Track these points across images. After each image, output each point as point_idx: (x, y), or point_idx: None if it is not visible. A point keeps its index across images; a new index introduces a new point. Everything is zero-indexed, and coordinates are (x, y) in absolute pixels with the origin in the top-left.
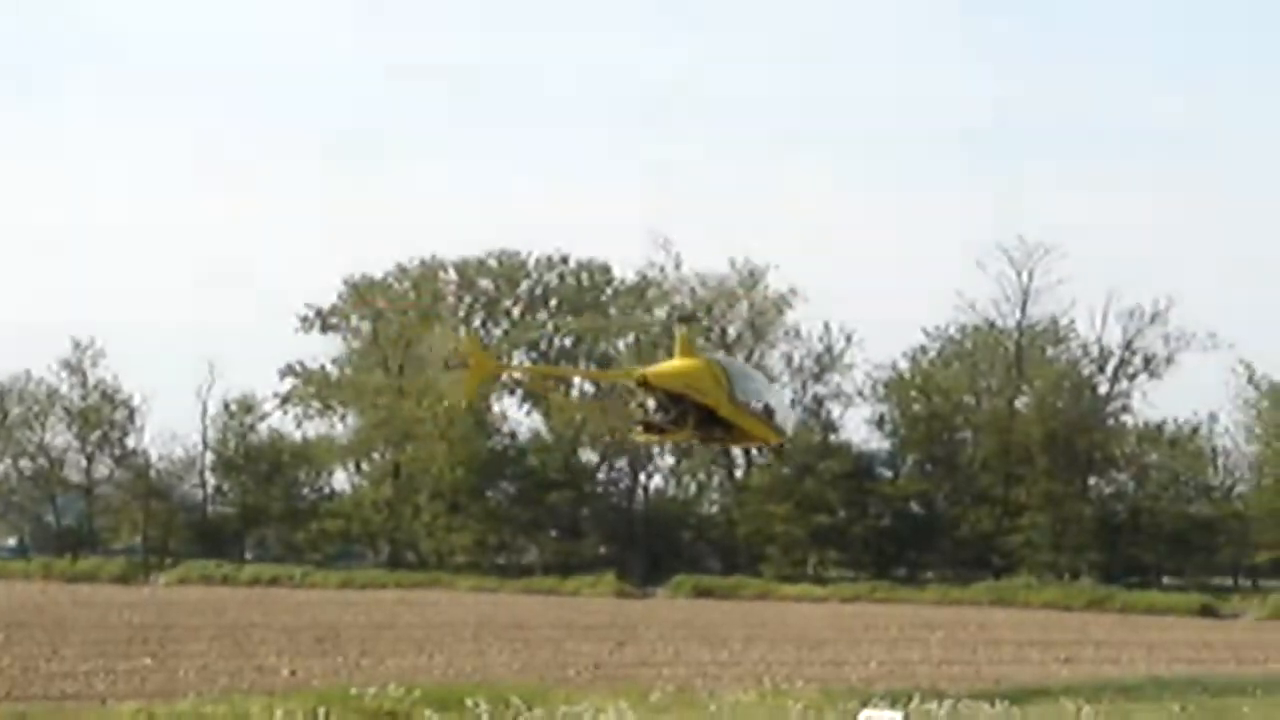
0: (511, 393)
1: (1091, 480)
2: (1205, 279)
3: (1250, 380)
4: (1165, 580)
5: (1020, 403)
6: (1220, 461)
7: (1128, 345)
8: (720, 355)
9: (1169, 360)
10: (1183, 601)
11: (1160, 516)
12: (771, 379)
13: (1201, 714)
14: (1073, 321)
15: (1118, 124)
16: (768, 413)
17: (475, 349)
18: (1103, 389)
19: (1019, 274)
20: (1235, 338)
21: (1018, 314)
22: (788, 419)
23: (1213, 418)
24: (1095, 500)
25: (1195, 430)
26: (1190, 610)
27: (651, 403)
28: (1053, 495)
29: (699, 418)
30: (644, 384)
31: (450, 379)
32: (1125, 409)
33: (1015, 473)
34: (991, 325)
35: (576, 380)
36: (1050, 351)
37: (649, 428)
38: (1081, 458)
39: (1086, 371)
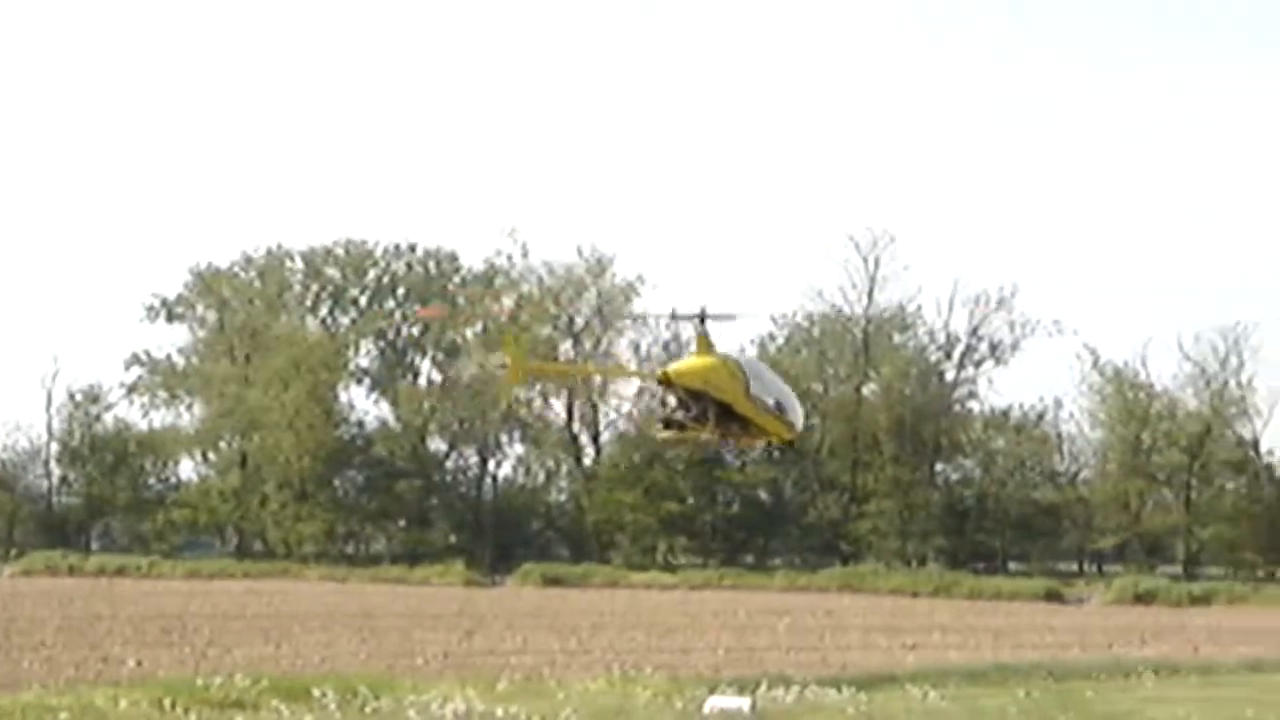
0: (359, 382)
1: (938, 466)
2: (1049, 266)
3: (1094, 366)
4: (1011, 566)
5: (868, 390)
6: (1065, 447)
7: (974, 332)
8: (736, 353)
9: (1014, 347)
10: (1028, 587)
11: (1006, 502)
12: (780, 376)
13: (1046, 698)
14: (919, 308)
15: (960, 110)
16: (779, 408)
17: (514, 353)
18: (949, 375)
19: (866, 261)
20: (1079, 324)
21: (865, 301)
22: (797, 414)
23: (1058, 404)
24: (942, 486)
25: (1041, 416)
26: (1036, 595)
27: (672, 400)
28: (900, 482)
29: (717, 414)
30: (665, 382)
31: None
32: (972, 395)
33: (863, 459)
34: (839, 312)
35: (425, 369)
36: (897, 338)
37: (669, 424)
38: (928, 444)
39: (933, 358)
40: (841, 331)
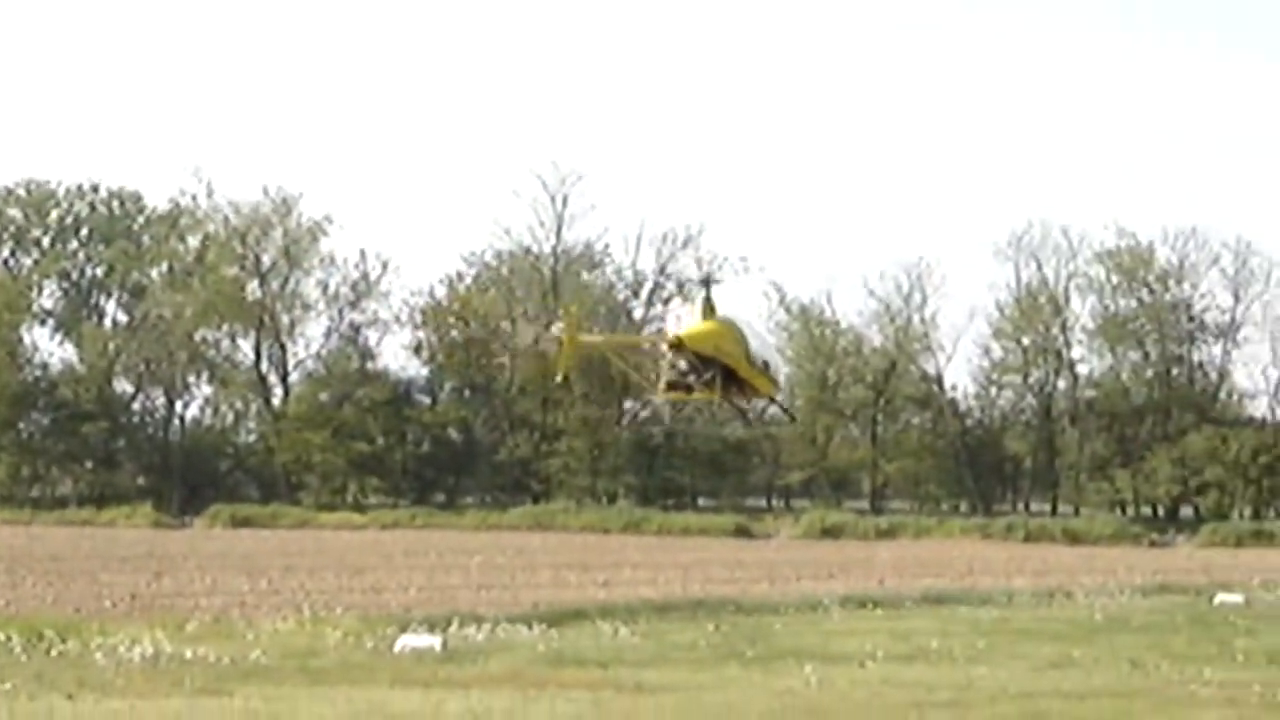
0: (42, 323)
1: (627, 404)
2: (735, 204)
3: (781, 303)
4: (701, 502)
5: (557, 328)
6: None
7: (661, 270)
8: (733, 315)
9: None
10: (718, 523)
11: (695, 439)
12: (763, 333)
13: (735, 632)
14: (607, 247)
15: (644, 48)
16: (765, 366)
17: (570, 327)
18: (638, 314)
19: (553, 200)
20: (766, 262)
21: (553, 239)
22: (779, 370)
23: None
24: (631, 424)
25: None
26: (725, 531)
27: (683, 363)
28: (589, 420)
29: (723, 376)
30: (677, 346)
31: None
32: (660, 333)
33: (553, 398)
34: (528, 251)
35: (110, 310)
36: (586, 277)
37: (673, 387)
38: (617, 382)
39: (621, 296)
40: (530, 270)
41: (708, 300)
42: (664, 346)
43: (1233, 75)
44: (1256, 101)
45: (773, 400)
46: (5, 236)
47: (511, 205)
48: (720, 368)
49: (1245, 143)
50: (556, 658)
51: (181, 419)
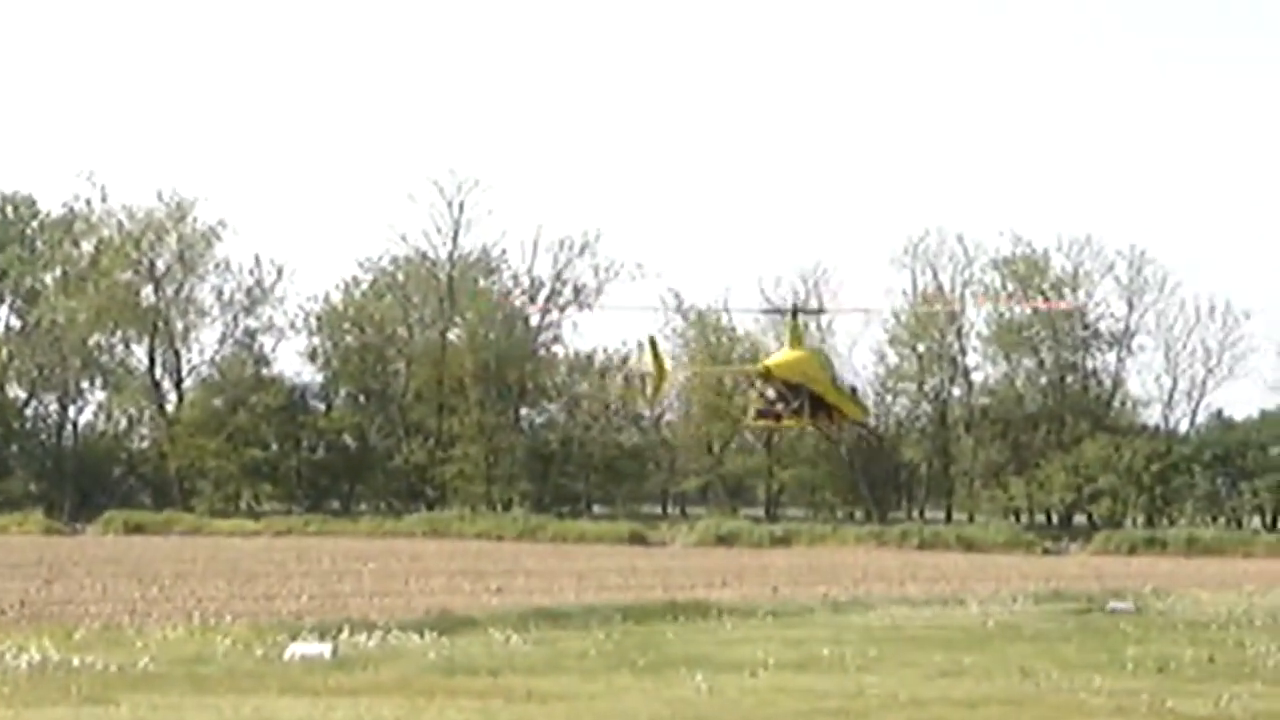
0: None
1: (523, 411)
2: (632, 211)
3: (678, 309)
4: (596, 509)
5: (453, 334)
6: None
7: (558, 276)
8: (818, 345)
9: (598, 291)
10: (612, 530)
11: (590, 446)
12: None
13: (627, 640)
14: (504, 253)
15: (540, 53)
16: (853, 391)
17: (660, 360)
18: (534, 320)
19: (450, 205)
20: (663, 268)
21: (450, 245)
22: (867, 395)
23: (641, 347)
24: (527, 431)
25: (625, 360)
26: (620, 539)
27: (771, 392)
28: (485, 426)
29: (811, 404)
30: (767, 375)
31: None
32: (556, 339)
33: (448, 404)
34: (424, 257)
35: (3, 316)
36: (482, 283)
37: (763, 415)
38: (513, 388)
39: (519, 303)
40: (427, 276)
41: (796, 329)
42: (755, 377)
43: (1130, 84)
44: (1152, 111)
45: (861, 424)
46: None
47: (408, 211)
48: (808, 395)
49: (1139, 151)
50: (447, 665)
51: (74, 425)
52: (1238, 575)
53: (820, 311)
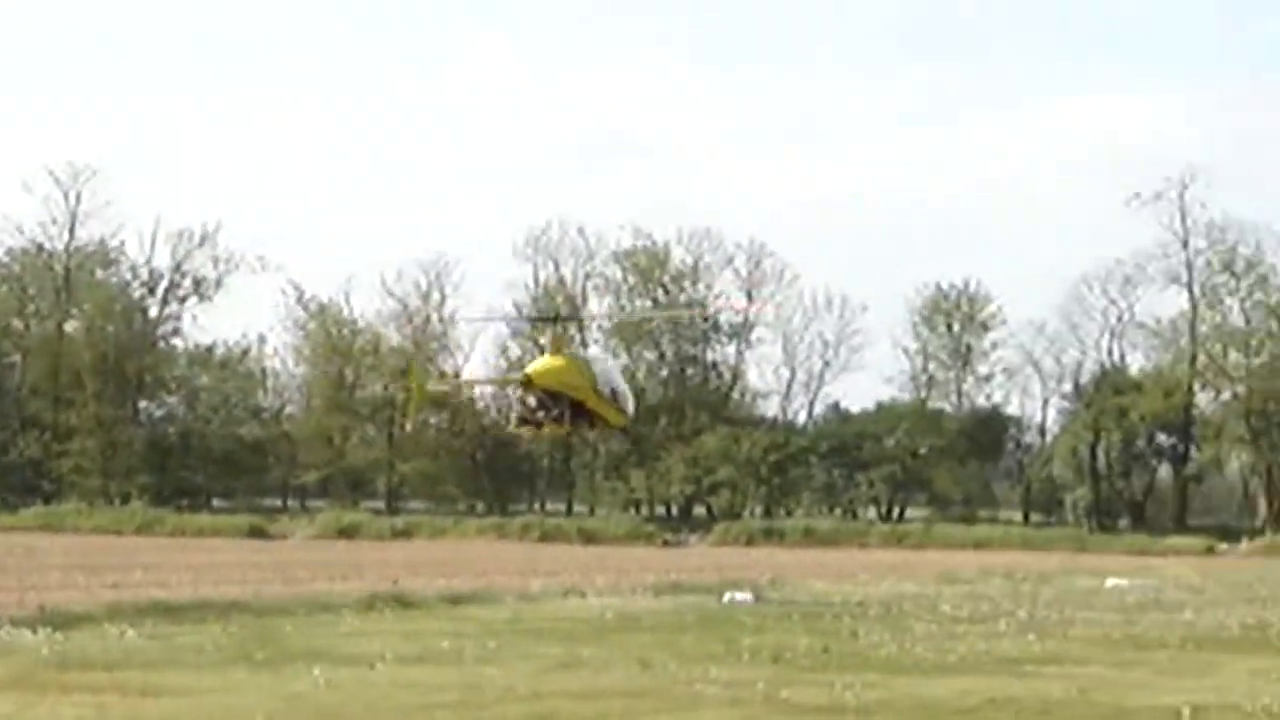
0: None
1: (142, 404)
2: (252, 203)
3: (300, 301)
4: (216, 502)
5: (70, 326)
6: (270, 383)
7: (177, 268)
8: (581, 350)
9: (218, 283)
10: (232, 523)
11: (211, 439)
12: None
13: (245, 634)
14: (123, 244)
15: (171, 44)
16: (614, 396)
17: (417, 378)
18: (153, 312)
19: (67, 196)
20: (284, 260)
21: (66, 237)
22: (628, 400)
23: (262, 340)
24: (146, 424)
25: (246, 352)
26: (240, 532)
27: (533, 400)
28: (103, 419)
29: (571, 410)
30: (527, 384)
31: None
32: (176, 332)
33: (65, 397)
34: (40, 248)
35: None
36: (100, 274)
37: (525, 422)
38: (132, 381)
39: (137, 294)
40: (43, 267)
41: (557, 337)
42: (517, 386)
43: (746, 79)
44: (769, 105)
45: (623, 430)
46: None
47: (23, 201)
48: (569, 402)
49: (758, 144)
50: (61, 661)
51: None
52: (853, 565)
53: (578, 320)
